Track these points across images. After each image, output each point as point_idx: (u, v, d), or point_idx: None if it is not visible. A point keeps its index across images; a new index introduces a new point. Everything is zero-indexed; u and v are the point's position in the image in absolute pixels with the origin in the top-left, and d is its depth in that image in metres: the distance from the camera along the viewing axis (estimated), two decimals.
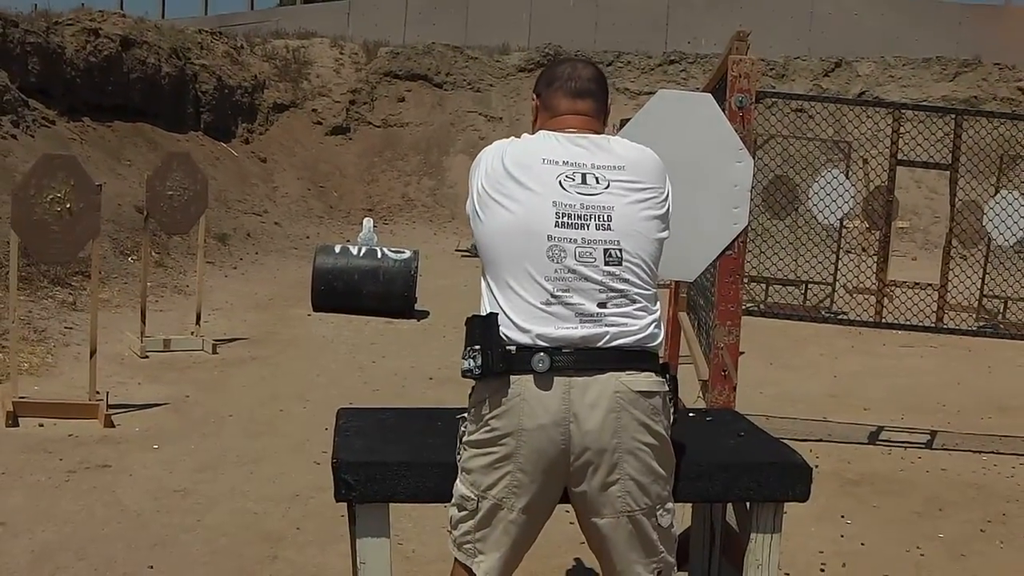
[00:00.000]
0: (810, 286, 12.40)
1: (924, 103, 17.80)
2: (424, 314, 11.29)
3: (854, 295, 10.52)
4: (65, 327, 8.93)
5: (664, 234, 2.80)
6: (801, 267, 9.45)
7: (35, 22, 16.27)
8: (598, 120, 2.90)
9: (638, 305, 2.71)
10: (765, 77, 22.54)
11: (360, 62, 23.69)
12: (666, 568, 2.79)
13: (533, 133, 2.89)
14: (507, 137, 2.94)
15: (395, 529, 3.11)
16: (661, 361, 2.78)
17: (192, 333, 9.18)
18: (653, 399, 2.69)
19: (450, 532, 2.82)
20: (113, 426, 6.47)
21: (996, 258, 10.83)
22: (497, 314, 2.68)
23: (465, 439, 2.77)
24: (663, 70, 24.13)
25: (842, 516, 5.49)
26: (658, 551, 2.75)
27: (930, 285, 7.56)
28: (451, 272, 14.10)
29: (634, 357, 2.68)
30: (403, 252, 11.36)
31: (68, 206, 6.62)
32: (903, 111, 7.34)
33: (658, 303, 2.79)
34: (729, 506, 3.40)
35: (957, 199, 7.63)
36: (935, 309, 7.25)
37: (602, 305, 2.66)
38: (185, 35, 20.58)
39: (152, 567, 4.43)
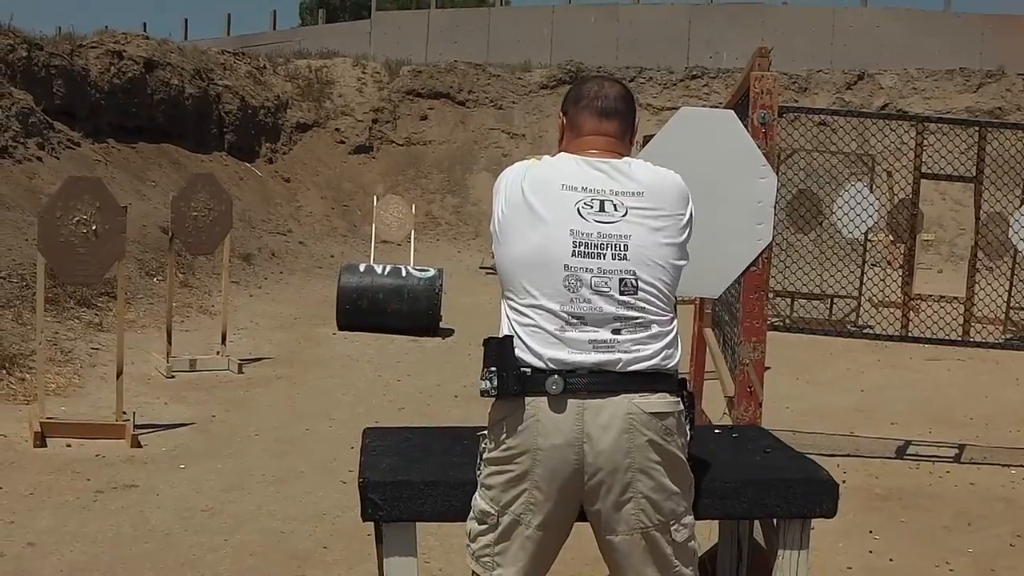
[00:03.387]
0: (835, 300, 12.33)
1: (948, 115, 17.72)
2: (449, 332, 11.30)
3: (880, 309, 10.44)
4: (91, 348, 8.98)
5: (682, 263, 2.80)
6: (826, 281, 9.40)
7: (59, 45, 16.42)
8: (623, 141, 2.89)
9: (652, 331, 2.71)
10: (787, 91, 22.50)
11: (382, 81, 23.78)
12: None
13: (559, 150, 2.90)
14: (530, 155, 2.94)
15: (421, 547, 3.11)
16: (680, 377, 2.79)
17: (218, 353, 9.22)
18: (666, 420, 2.70)
19: (468, 545, 2.84)
20: (140, 446, 6.51)
21: (1023, 270, 10.75)
22: (512, 337, 2.71)
23: (485, 456, 2.80)
24: (685, 85, 24.13)
25: (870, 531, 5.46)
26: (672, 566, 2.76)
27: (956, 298, 7.51)
28: (475, 290, 14.10)
29: (647, 379, 2.69)
30: (427, 270, 11.38)
31: (94, 228, 6.67)
32: (927, 123, 7.31)
33: (675, 322, 2.78)
34: (756, 523, 3.39)
35: (982, 211, 7.60)
36: (961, 322, 7.21)
37: (616, 332, 2.68)
38: (208, 56, 20.73)
39: None
